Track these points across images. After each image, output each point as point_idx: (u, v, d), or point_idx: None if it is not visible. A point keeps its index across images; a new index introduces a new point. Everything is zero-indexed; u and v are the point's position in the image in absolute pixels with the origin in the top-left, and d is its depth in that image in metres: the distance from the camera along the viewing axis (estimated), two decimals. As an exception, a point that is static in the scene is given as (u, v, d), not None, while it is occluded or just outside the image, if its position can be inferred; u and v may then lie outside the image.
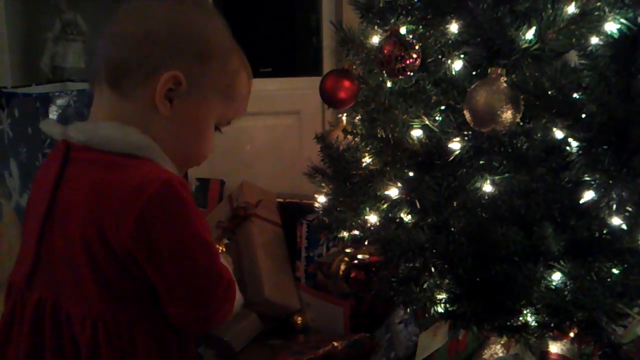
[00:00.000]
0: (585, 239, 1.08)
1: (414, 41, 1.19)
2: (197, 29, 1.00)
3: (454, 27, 1.20)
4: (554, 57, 1.14)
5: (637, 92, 0.95)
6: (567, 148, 1.05)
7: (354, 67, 1.33)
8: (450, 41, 1.22)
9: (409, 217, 1.26)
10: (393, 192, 1.27)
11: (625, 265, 1.07)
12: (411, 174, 1.24)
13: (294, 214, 2.00)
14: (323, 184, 1.48)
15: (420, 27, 1.26)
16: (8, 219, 1.91)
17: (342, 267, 1.70)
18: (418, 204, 1.21)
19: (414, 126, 1.23)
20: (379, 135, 1.26)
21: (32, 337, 0.97)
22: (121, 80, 0.96)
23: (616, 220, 1.04)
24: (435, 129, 1.20)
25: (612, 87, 0.96)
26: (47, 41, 2.79)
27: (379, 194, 1.30)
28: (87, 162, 0.96)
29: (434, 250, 1.14)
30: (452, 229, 1.17)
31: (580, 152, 1.00)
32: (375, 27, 1.31)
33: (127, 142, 0.95)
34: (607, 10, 1.06)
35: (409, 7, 1.25)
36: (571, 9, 1.09)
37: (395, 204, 1.27)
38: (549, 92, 1.00)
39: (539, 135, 1.12)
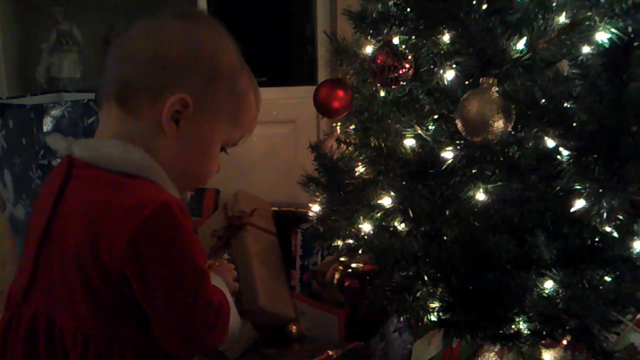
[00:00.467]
0: (577, 247, 1.08)
1: (407, 51, 1.20)
2: (207, 50, 0.99)
3: (446, 38, 1.21)
4: (545, 67, 1.14)
5: (628, 102, 0.96)
6: (559, 157, 1.06)
7: (348, 76, 1.34)
8: (442, 51, 1.23)
9: (403, 225, 1.26)
10: (386, 201, 1.27)
11: (617, 273, 1.08)
12: (404, 183, 1.25)
13: (288, 223, 2.00)
14: (317, 193, 1.48)
15: (413, 37, 1.27)
16: (2, 230, 1.90)
17: (337, 275, 1.69)
18: (411, 213, 1.22)
19: (407, 135, 1.24)
20: (373, 145, 1.27)
21: (27, 351, 0.97)
22: (129, 99, 0.96)
23: (607, 229, 1.05)
24: (428, 138, 1.21)
25: (603, 96, 0.97)
26: (43, 52, 2.80)
27: (372, 202, 1.30)
28: (88, 179, 0.96)
29: (427, 259, 1.15)
30: (445, 237, 1.17)
31: (572, 160, 1.01)
32: (369, 37, 1.32)
33: (127, 162, 0.94)
34: (597, 20, 1.07)
35: (402, 18, 1.26)
36: (562, 19, 1.10)
37: (389, 213, 1.27)
38: (540, 102, 1.00)
39: (530, 144, 1.13)
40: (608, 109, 0.96)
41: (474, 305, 1.12)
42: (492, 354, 1.28)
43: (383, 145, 1.25)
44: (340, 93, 1.29)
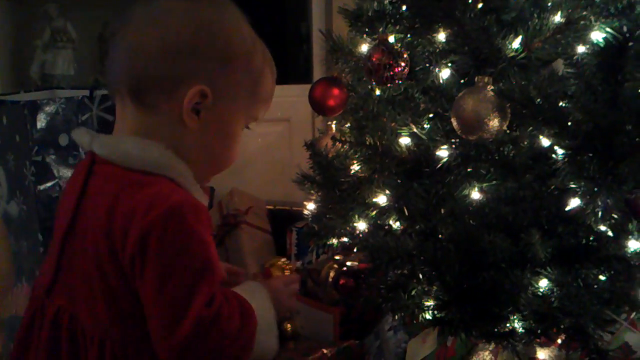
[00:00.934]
0: (572, 245, 1.09)
1: (402, 50, 1.19)
2: (218, 30, 0.96)
3: (441, 36, 1.21)
4: (541, 66, 1.14)
5: (623, 101, 0.96)
6: (554, 156, 1.06)
7: (343, 75, 1.34)
8: (438, 50, 1.23)
9: (398, 224, 1.26)
10: (381, 200, 1.27)
11: (612, 272, 1.08)
12: (399, 181, 1.25)
13: (283, 221, 2.00)
14: (312, 191, 1.48)
15: (409, 35, 1.27)
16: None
17: (332, 274, 1.70)
18: (406, 211, 1.22)
19: (402, 134, 1.24)
20: (368, 143, 1.27)
21: (50, 347, 0.96)
22: (145, 94, 0.93)
23: (602, 228, 1.05)
24: (424, 137, 1.21)
25: (598, 95, 0.97)
26: (37, 49, 2.79)
27: (367, 201, 1.30)
28: (107, 176, 0.95)
29: (422, 257, 1.15)
30: (440, 236, 1.17)
31: (566, 159, 1.01)
32: (364, 35, 1.32)
33: (145, 160, 0.92)
34: (592, 19, 1.07)
35: (397, 16, 1.26)
36: (557, 18, 1.10)
37: (384, 211, 1.27)
38: (536, 101, 1.00)
39: (525, 143, 1.13)
40: (603, 108, 0.96)
41: (469, 303, 1.12)
42: (486, 353, 1.28)
43: (378, 143, 1.25)
44: (336, 91, 1.29)
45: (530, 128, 1.08)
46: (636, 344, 1.20)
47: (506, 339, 1.11)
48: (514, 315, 1.10)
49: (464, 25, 1.11)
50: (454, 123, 1.04)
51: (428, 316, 1.16)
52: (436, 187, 1.20)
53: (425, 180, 1.21)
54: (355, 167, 1.34)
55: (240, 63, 0.97)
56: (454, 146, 1.16)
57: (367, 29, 1.31)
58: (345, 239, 1.39)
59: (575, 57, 1.09)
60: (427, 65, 1.24)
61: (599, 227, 1.05)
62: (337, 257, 1.71)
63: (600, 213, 0.99)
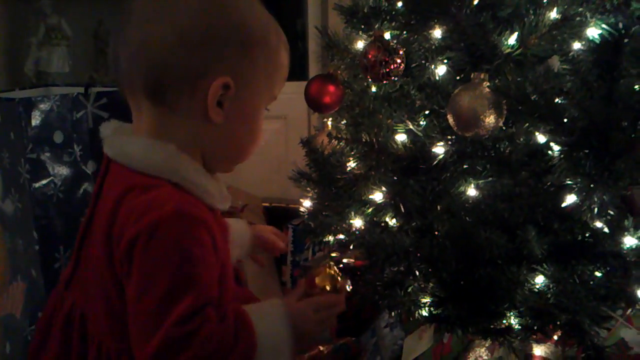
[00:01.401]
0: (568, 242, 1.09)
1: (398, 46, 1.19)
2: (232, 13, 0.90)
3: (437, 33, 1.21)
4: (536, 62, 1.14)
5: (619, 97, 0.96)
6: (550, 152, 1.06)
7: (339, 71, 1.34)
8: (433, 46, 1.23)
9: (394, 221, 1.26)
10: (378, 196, 1.27)
11: (608, 269, 1.08)
12: (395, 178, 1.25)
13: (279, 219, 2.00)
14: (308, 189, 1.48)
15: (404, 32, 1.27)
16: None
17: (328, 271, 1.70)
18: (402, 208, 1.21)
19: (399, 130, 1.24)
20: (364, 140, 1.27)
21: (62, 340, 0.97)
22: (164, 94, 0.89)
23: (598, 224, 1.05)
24: (420, 134, 1.21)
25: (594, 92, 0.97)
26: (31, 46, 2.78)
27: (363, 198, 1.30)
28: (117, 176, 0.93)
29: (419, 254, 1.15)
30: (437, 232, 1.17)
31: (562, 156, 1.01)
32: (360, 32, 1.32)
33: (147, 163, 0.89)
34: (588, 15, 1.07)
35: (393, 13, 1.26)
36: (553, 14, 1.10)
37: (380, 208, 1.27)
38: (532, 97, 1.00)
39: (521, 139, 1.13)
40: (599, 104, 0.96)
41: (465, 300, 1.12)
42: (483, 349, 1.29)
43: (374, 140, 1.25)
44: (332, 88, 1.29)
45: (526, 124, 1.08)
46: (632, 340, 1.21)
47: (502, 335, 1.11)
48: (510, 312, 1.10)
49: (459, 21, 1.11)
50: (450, 120, 1.04)
51: (424, 313, 1.17)
52: (432, 184, 1.20)
53: (421, 177, 1.21)
54: (351, 164, 1.34)
55: (259, 48, 0.92)
56: (450, 143, 1.16)
57: (362, 26, 1.30)
58: (341, 236, 1.39)
59: (571, 54, 1.09)
60: (423, 61, 1.24)
61: (595, 223, 1.06)
62: (333, 254, 1.71)
63: (596, 209, 0.99)
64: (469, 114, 1.01)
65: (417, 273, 1.17)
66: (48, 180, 1.62)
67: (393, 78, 1.20)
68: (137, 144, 0.92)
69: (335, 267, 1.06)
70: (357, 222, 1.33)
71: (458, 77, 1.19)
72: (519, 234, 1.06)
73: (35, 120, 1.59)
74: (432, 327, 1.32)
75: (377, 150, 1.25)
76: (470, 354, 1.30)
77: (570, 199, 1.03)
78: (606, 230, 1.06)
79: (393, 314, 1.39)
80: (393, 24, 1.26)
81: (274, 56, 0.96)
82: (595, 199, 0.97)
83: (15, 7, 2.83)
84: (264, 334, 0.88)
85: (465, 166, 1.15)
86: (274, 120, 2.57)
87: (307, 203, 1.50)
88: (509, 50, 1.10)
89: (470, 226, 1.11)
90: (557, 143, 1.02)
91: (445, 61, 1.21)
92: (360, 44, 1.32)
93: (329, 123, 1.54)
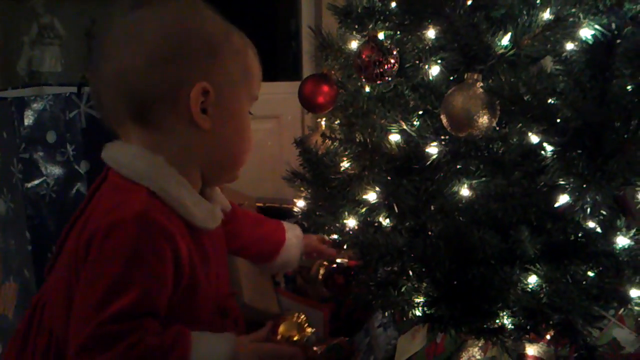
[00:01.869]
0: (561, 242, 1.09)
1: (392, 46, 1.19)
2: (194, 27, 0.95)
3: (431, 33, 1.21)
4: (530, 63, 1.15)
5: (611, 98, 0.96)
6: (543, 152, 1.06)
7: (333, 72, 1.34)
8: (427, 47, 1.23)
9: (387, 221, 1.26)
10: (371, 196, 1.27)
11: (600, 268, 1.09)
12: (389, 178, 1.25)
13: (273, 218, 1.99)
14: (302, 188, 1.48)
15: (398, 32, 1.27)
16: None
17: (322, 271, 1.70)
18: (396, 208, 1.22)
19: (392, 131, 1.24)
20: (358, 140, 1.27)
21: (25, 329, 1.00)
22: (149, 115, 0.93)
23: (591, 224, 1.05)
24: (413, 134, 1.21)
25: (587, 92, 0.97)
26: (24, 45, 2.77)
27: (357, 198, 1.30)
28: (109, 179, 0.97)
29: (412, 254, 1.15)
30: (430, 232, 1.17)
31: (555, 156, 1.01)
32: (354, 32, 1.32)
33: (131, 169, 0.93)
34: (581, 16, 1.08)
35: (387, 13, 1.26)
36: (546, 15, 1.10)
37: (374, 208, 1.27)
38: (525, 97, 1.01)
39: (514, 139, 1.13)
40: (592, 105, 0.96)
41: (459, 300, 1.12)
42: (476, 349, 1.29)
43: (368, 140, 1.25)
44: (325, 88, 1.29)
45: (520, 125, 1.08)
46: (624, 340, 1.21)
47: (495, 335, 1.11)
48: (503, 312, 1.10)
49: (453, 22, 1.11)
50: (444, 120, 1.04)
51: (418, 313, 1.17)
52: (426, 184, 1.20)
53: (414, 177, 1.21)
54: (345, 164, 1.34)
55: (225, 49, 0.97)
56: (443, 143, 1.16)
57: (356, 26, 1.31)
58: (335, 236, 1.39)
59: (564, 54, 1.09)
60: (417, 62, 1.24)
61: (587, 223, 1.06)
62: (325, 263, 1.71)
63: (589, 209, 0.99)
64: (462, 114, 1.01)
65: (411, 273, 1.17)
66: (41, 180, 1.62)
67: (387, 78, 1.20)
68: (127, 151, 0.96)
69: (304, 317, 1.09)
70: (351, 222, 1.33)
71: (451, 78, 1.19)
72: (512, 234, 1.07)
73: (28, 119, 1.59)
74: (425, 327, 1.32)
75: (370, 150, 1.25)
76: (463, 354, 1.30)
77: (563, 199, 1.03)
78: (599, 230, 1.06)
79: (386, 313, 1.39)
80: (387, 24, 1.27)
81: (242, 56, 1.01)
82: (588, 199, 0.98)
83: (7, 6, 2.82)
84: (199, 359, 0.88)
85: (458, 166, 1.16)
86: (268, 120, 2.57)
87: (300, 203, 1.50)
88: (502, 50, 1.11)
89: (464, 226, 1.11)
90: (550, 143, 1.03)
91: (439, 61, 1.21)
92: (354, 44, 1.33)
93: (323, 123, 1.55)
